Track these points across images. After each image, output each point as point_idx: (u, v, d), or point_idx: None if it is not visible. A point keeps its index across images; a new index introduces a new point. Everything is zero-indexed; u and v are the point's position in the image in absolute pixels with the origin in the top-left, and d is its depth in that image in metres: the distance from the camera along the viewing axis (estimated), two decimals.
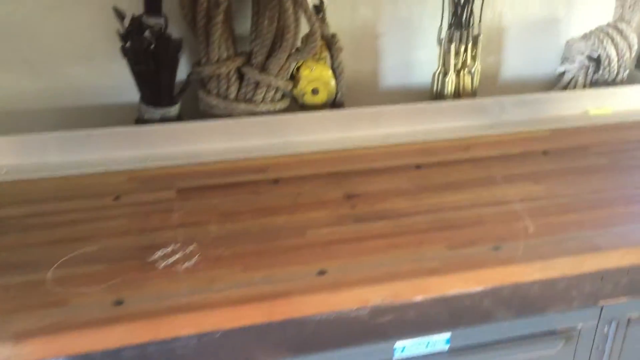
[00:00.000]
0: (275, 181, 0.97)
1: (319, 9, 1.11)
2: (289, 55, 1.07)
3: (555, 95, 1.24)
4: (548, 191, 0.94)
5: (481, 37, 1.22)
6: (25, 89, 1.09)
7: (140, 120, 1.08)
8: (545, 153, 1.07)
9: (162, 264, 0.76)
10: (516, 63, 1.36)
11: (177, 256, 0.77)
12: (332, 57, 1.14)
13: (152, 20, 0.99)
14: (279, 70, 1.08)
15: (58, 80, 1.10)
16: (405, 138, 1.11)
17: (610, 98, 1.24)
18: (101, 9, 1.03)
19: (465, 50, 1.22)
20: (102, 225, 0.84)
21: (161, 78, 1.01)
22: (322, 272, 0.75)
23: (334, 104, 1.18)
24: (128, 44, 0.97)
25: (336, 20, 1.20)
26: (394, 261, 0.78)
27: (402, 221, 0.86)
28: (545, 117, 1.19)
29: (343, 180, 0.97)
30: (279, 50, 1.06)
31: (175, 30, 1.08)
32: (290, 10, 1.02)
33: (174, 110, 1.07)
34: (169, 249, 0.78)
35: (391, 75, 1.29)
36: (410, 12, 1.24)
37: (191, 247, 0.79)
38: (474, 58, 1.24)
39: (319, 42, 1.09)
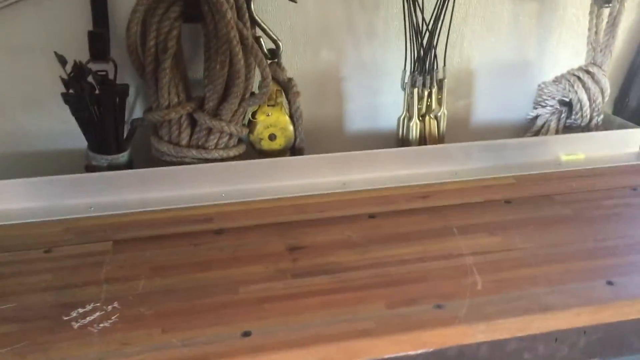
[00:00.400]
0: (219, 232, 0.92)
1: (275, 53, 1.08)
2: (241, 101, 1.04)
3: (524, 141, 1.19)
4: (504, 243, 0.89)
5: (446, 82, 1.19)
6: None
7: (89, 167, 1.04)
8: (507, 202, 1.02)
9: (77, 324, 0.71)
10: (487, 107, 1.32)
11: (95, 315, 0.72)
12: (289, 102, 1.11)
13: (96, 66, 0.97)
14: (232, 116, 1.05)
15: (9, 126, 1.08)
16: (363, 186, 1.07)
17: (582, 143, 1.19)
18: (52, 55, 1.01)
19: (430, 94, 1.19)
20: (25, 281, 0.80)
21: (106, 125, 0.98)
22: (246, 334, 0.70)
23: (294, 149, 1.14)
24: (70, 91, 0.94)
25: (298, 64, 1.17)
26: (327, 321, 0.72)
27: (343, 276, 0.81)
28: (513, 164, 1.15)
29: (290, 231, 0.93)
30: (230, 96, 1.03)
31: (130, 76, 1.06)
32: (240, 56, 0.99)
33: (122, 157, 1.04)
34: (89, 307, 0.74)
35: (356, 120, 1.26)
36: (375, 55, 1.21)
37: (112, 306, 0.74)
38: (439, 102, 1.20)
39: (271, 88, 1.06)
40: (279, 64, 1.09)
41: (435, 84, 1.18)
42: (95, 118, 0.97)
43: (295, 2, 1.07)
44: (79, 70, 0.93)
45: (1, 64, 1.04)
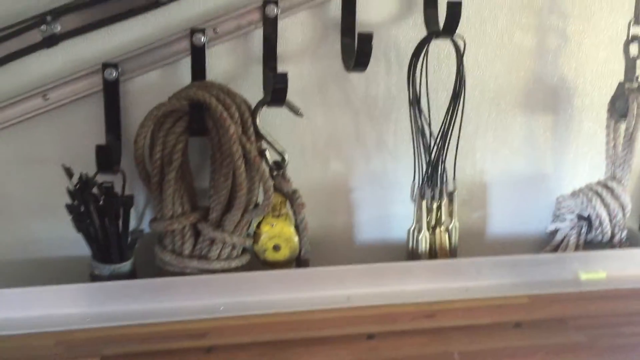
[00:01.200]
0: (209, 350, 0.90)
1: (280, 165, 1.09)
2: (244, 212, 1.04)
3: (540, 257, 1.14)
4: None
5: (457, 194, 1.17)
6: None
7: (93, 276, 1.05)
8: (517, 325, 0.96)
9: None
10: (504, 220, 1.28)
11: None
12: (294, 213, 1.10)
13: (105, 177, 1.00)
14: (235, 227, 1.05)
15: (21, 233, 1.11)
16: (367, 301, 1.03)
17: (603, 261, 1.13)
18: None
19: (439, 207, 1.16)
20: None
21: (108, 235, 0.99)
22: None
23: (299, 260, 1.13)
24: (74, 203, 0.96)
25: (306, 175, 1.18)
26: None
27: None
28: (527, 282, 1.09)
29: (282, 350, 0.89)
30: (234, 207, 1.03)
31: (140, 185, 1.08)
32: (242, 169, 1.00)
33: (124, 266, 1.04)
34: None
35: (366, 230, 1.24)
36: (385, 166, 1.21)
37: None
38: (450, 215, 1.17)
39: (274, 200, 1.06)
40: (283, 176, 1.10)
41: (445, 196, 1.16)
42: (97, 229, 0.98)
43: (301, 116, 1.09)
44: (84, 182, 0.95)
45: (16, 174, 1.08)
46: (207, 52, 1.07)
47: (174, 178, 1.01)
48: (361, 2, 1.11)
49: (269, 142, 1.08)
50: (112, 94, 1.05)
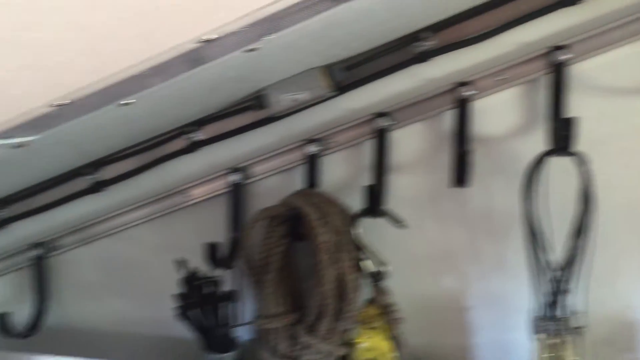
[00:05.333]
0: None
1: (377, 276, 1.07)
2: (336, 320, 1.04)
3: None
4: None
5: (587, 330, 1.00)
6: (129, 315, 1.26)
7: None
8: None
9: None
10: None
11: None
12: (390, 327, 1.06)
13: (207, 274, 1.09)
14: (327, 333, 1.05)
15: (151, 311, 1.25)
16: None
17: None
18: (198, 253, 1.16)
19: (563, 342, 1.01)
20: None
21: (210, 327, 1.07)
22: None
23: None
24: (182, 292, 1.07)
25: (416, 288, 1.14)
26: None
27: None
28: None
29: None
30: (323, 314, 1.04)
31: None
32: (327, 277, 1.01)
33: (227, 357, 1.11)
34: None
35: (482, 355, 1.13)
36: (504, 287, 1.11)
37: None
38: (578, 355, 1.01)
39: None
40: (380, 288, 1.07)
41: (570, 332, 1.01)
42: (199, 319, 1.07)
43: (406, 227, 1.06)
44: (191, 276, 1.06)
45: (158, 260, 1.23)
46: (321, 161, 1.13)
47: (273, 279, 1.06)
48: (479, 113, 1.07)
49: (369, 253, 1.07)
50: (236, 195, 1.17)
